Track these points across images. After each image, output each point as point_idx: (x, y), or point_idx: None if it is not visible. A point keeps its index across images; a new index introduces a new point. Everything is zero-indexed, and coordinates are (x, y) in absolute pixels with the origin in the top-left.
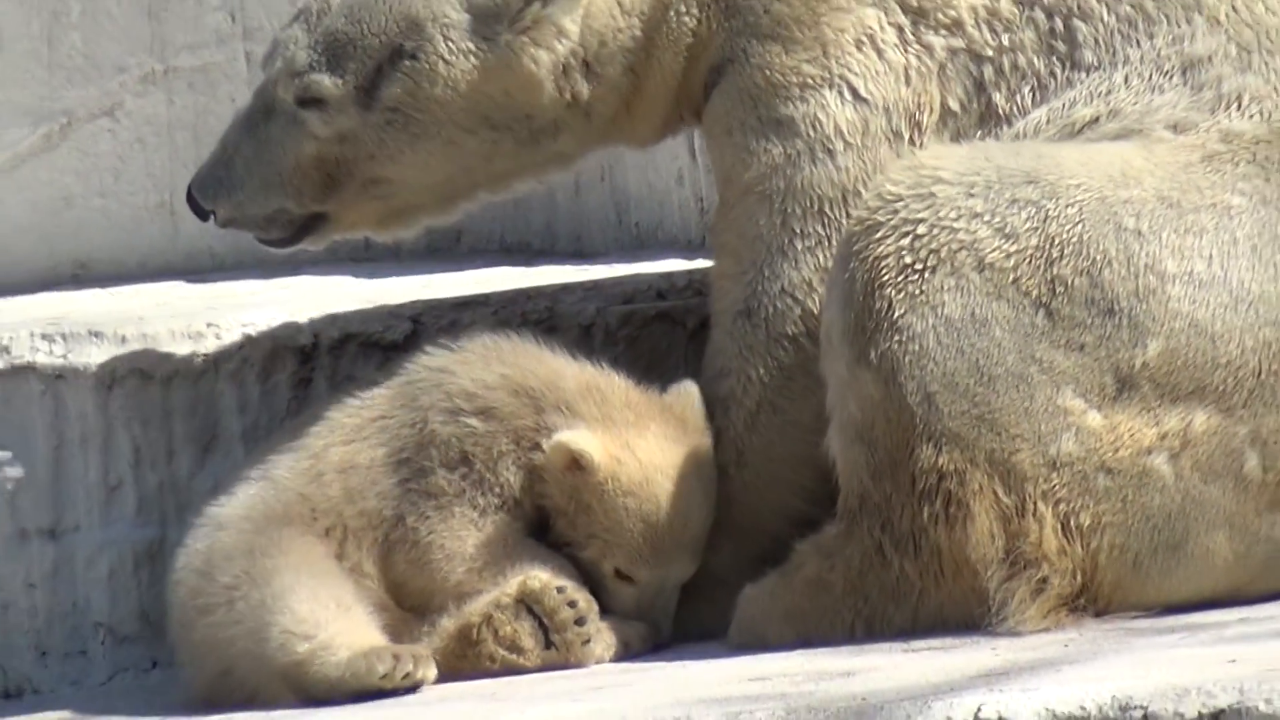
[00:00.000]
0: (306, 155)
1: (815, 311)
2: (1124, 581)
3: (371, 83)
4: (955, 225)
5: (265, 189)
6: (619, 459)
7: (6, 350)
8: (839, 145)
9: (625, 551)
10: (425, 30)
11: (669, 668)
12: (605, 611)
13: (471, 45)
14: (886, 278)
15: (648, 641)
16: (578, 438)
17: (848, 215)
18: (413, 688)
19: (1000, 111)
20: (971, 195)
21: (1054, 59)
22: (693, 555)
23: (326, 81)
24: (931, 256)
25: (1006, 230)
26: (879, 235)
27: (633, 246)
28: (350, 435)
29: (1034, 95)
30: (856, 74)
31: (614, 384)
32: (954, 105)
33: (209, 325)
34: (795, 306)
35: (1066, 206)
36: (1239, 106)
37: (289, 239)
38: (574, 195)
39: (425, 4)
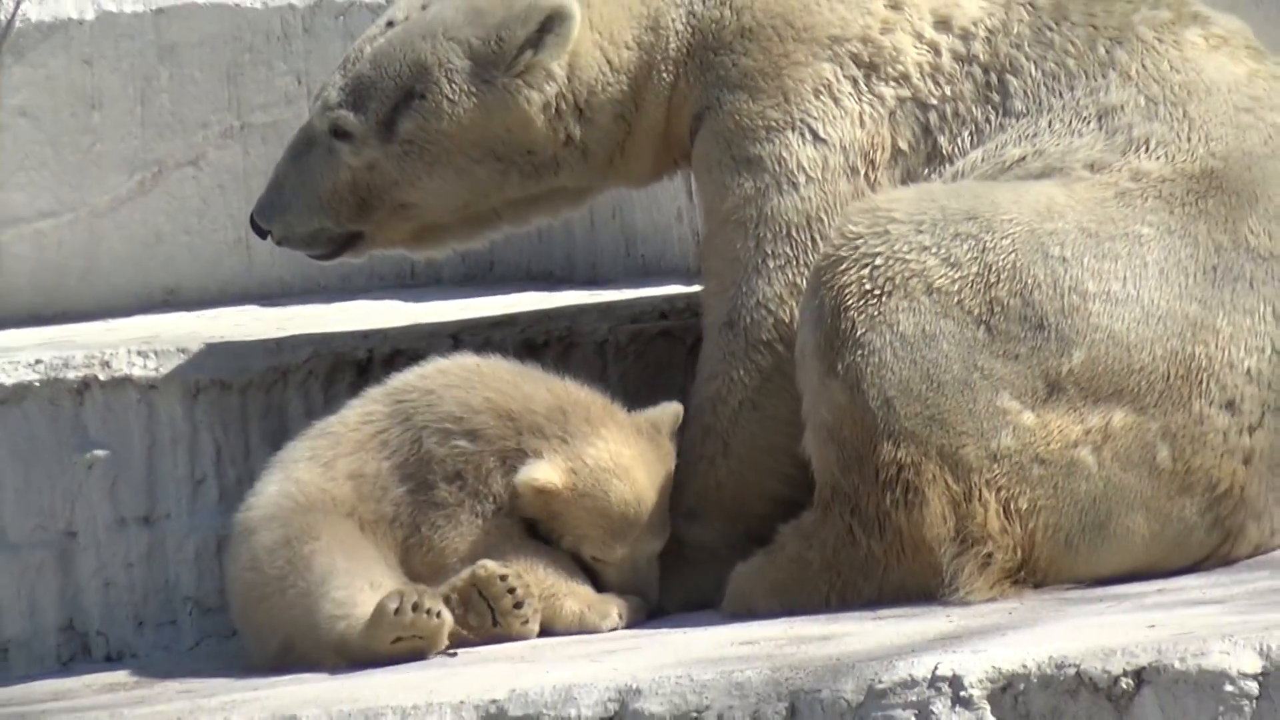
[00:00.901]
0: (342, 181)
1: (787, 321)
2: (1058, 557)
3: (389, 118)
4: (907, 257)
5: (308, 210)
6: (574, 470)
7: (107, 365)
8: (802, 179)
9: (592, 541)
10: (432, 74)
11: (672, 634)
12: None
13: (472, 87)
14: (850, 303)
15: (640, 612)
16: (536, 471)
17: (812, 239)
18: (430, 624)
19: (944, 152)
20: (920, 231)
21: (989, 107)
22: (652, 533)
23: (351, 117)
24: (887, 284)
25: (951, 260)
26: (842, 267)
27: (640, 274)
28: (355, 448)
29: (972, 139)
30: (815, 118)
31: (576, 400)
32: (903, 146)
33: (280, 343)
34: (769, 317)
35: (1001, 239)
36: (1147, 149)
37: (331, 254)
38: (589, 230)
39: (433, 51)
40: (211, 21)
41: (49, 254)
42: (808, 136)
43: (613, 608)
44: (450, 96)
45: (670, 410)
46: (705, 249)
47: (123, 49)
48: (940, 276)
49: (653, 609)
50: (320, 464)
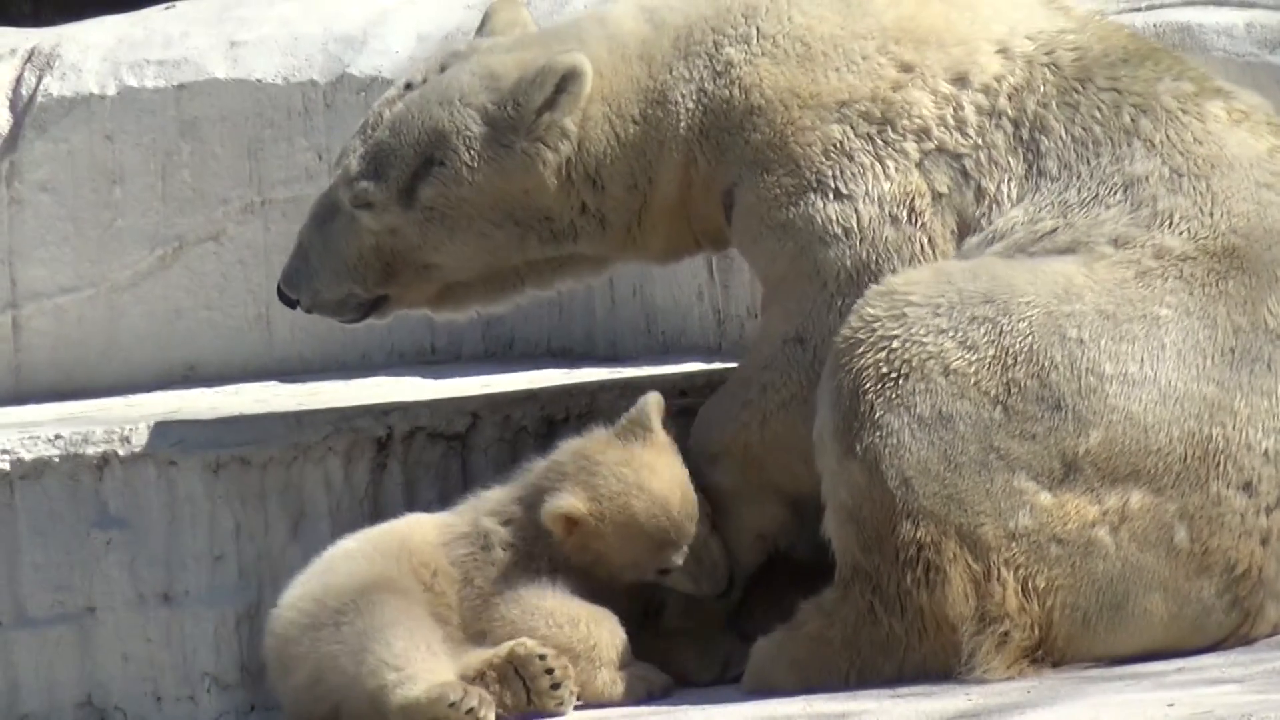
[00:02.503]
0: (366, 247)
1: None
2: (1075, 636)
3: (410, 186)
4: (924, 340)
5: (335, 277)
6: (593, 499)
7: (127, 440)
8: (840, 232)
9: (643, 562)
10: (450, 141)
11: (692, 711)
12: (637, 657)
13: (491, 153)
14: (867, 385)
15: (669, 690)
16: (558, 500)
17: (870, 279)
18: None
19: (990, 195)
20: (938, 314)
21: (1024, 158)
22: (694, 520)
23: (372, 188)
24: (904, 366)
25: (968, 343)
26: (860, 350)
27: (660, 351)
28: (438, 523)
29: (1017, 185)
30: (830, 175)
31: (565, 448)
32: (942, 189)
33: (300, 419)
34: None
35: (1018, 321)
36: (1170, 224)
37: (360, 318)
38: (610, 308)
39: (451, 119)
40: (233, 97)
41: (69, 329)
42: (829, 194)
43: (641, 684)
44: (470, 163)
45: (649, 402)
46: (766, 299)
47: (144, 124)
48: (957, 359)
49: (733, 575)
50: (405, 522)
